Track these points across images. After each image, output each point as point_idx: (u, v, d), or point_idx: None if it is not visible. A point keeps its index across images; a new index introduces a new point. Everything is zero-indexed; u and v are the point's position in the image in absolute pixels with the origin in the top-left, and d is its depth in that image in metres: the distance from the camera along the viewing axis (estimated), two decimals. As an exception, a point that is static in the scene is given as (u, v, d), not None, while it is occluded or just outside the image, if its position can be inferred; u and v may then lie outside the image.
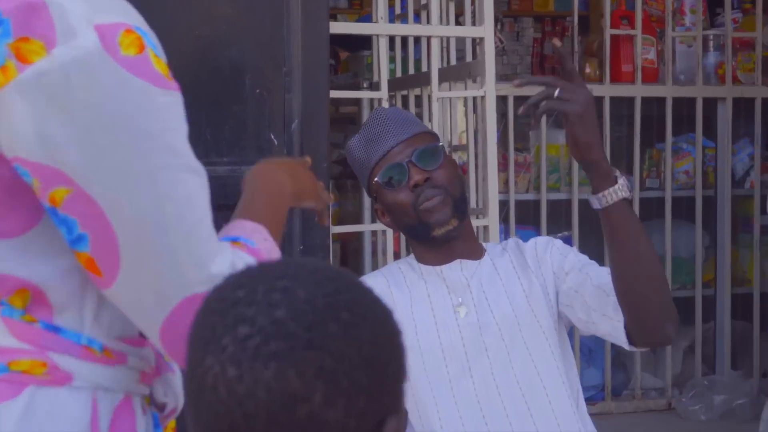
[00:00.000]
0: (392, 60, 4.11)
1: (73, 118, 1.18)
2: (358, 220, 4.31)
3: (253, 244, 1.30)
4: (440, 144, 2.25)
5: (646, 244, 2.01)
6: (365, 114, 3.64)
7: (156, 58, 1.22)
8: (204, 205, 1.25)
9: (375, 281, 2.29)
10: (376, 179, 2.22)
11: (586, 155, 1.97)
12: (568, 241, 4.59)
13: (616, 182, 1.97)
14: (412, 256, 2.33)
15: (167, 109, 1.22)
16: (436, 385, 2.19)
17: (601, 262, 4.74)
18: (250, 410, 0.92)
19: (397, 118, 2.27)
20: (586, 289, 2.13)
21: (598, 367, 4.61)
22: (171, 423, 1.41)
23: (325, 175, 2.94)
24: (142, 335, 1.30)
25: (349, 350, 0.93)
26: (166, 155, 1.21)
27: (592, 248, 4.68)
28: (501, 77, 6.32)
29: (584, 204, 4.56)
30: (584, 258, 2.25)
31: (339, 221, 4.78)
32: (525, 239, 2.32)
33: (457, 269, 2.24)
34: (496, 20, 6.55)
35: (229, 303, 0.95)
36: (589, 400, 3.36)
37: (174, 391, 1.36)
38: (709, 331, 4.83)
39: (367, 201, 4.08)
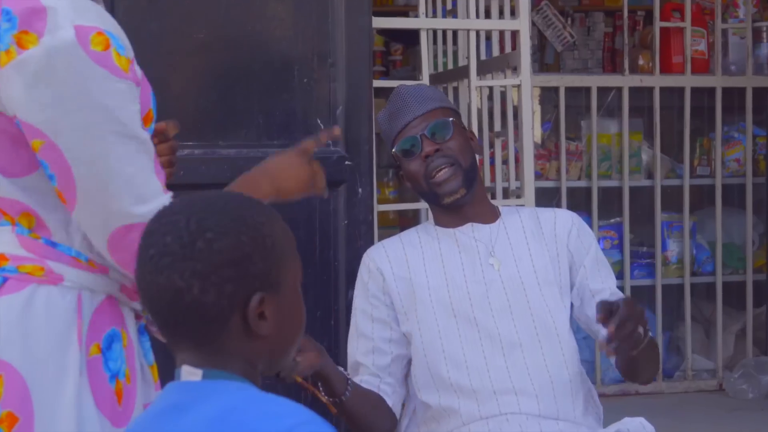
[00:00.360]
0: (445, 54, 4.36)
1: (48, 89, 1.60)
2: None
3: None
4: (451, 119, 2.47)
5: (656, 363, 2.38)
6: None
7: (117, 55, 1.64)
8: (139, 163, 1.66)
9: (389, 243, 2.56)
10: (395, 150, 2.47)
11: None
12: (619, 227, 4.79)
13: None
14: (431, 219, 2.56)
15: (119, 92, 1.63)
16: (445, 334, 2.41)
17: (650, 244, 4.81)
18: (158, 301, 1.39)
19: (417, 95, 2.50)
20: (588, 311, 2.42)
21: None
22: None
23: (368, 159, 3.22)
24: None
25: (213, 257, 1.36)
26: (114, 124, 1.63)
27: (641, 232, 4.90)
28: (572, 71, 6.54)
29: (634, 191, 4.80)
30: (606, 275, 2.48)
31: (399, 207, 5.00)
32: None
33: (469, 232, 2.47)
34: (566, 15, 6.72)
35: (149, 230, 1.42)
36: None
37: None
38: (761, 315, 4.97)
39: None
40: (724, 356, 4.89)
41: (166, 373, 1.79)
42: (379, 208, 3.55)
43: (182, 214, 1.40)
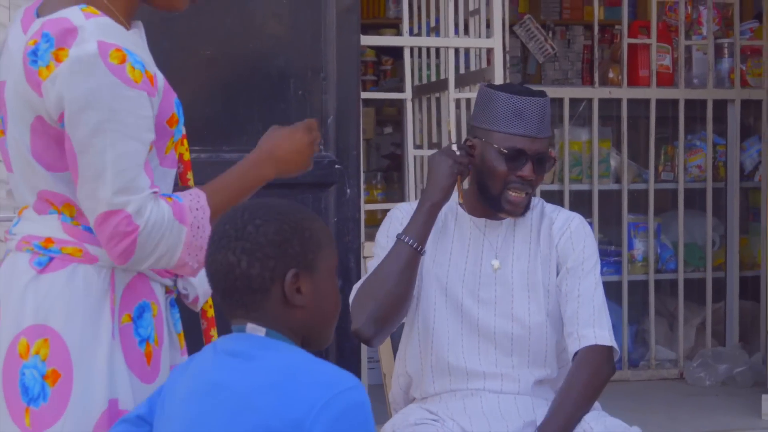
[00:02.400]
0: (428, 67, 4.66)
1: (69, 89, 1.84)
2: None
3: (180, 200, 1.93)
4: (552, 155, 2.54)
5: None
6: (407, 114, 4.07)
7: (131, 68, 1.86)
8: (134, 160, 1.86)
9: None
10: (498, 144, 2.45)
11: None
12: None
13: None
14: (456, 194, 2.57)
15: (128, 99, 1.86)
16: (438, 308, 2.55)
17: (618, 243, 4.96)
18: (217, 275, 1.72)
19: (540, 113, 2.47)
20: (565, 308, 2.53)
21: (616, 339, 5.04)
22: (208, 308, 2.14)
23: (355, 163, 3.46)
24: None
25: (259, 238, 1.68)
26: (117, 124, 1.85)
27: (610, 233, 5.16)
28: (554, 82, 6.77)
29: (603, 194, 5.08)
30: (592, 284, 2.52)
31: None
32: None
33: (482, 226, 2.57)
34: (548, 28, 6.94)
35: (216, 224, 1.76)
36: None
37: (193, 285, 2.06)
38: (719, 310, 5.20)
39: (408, 191, 4.50)
40: (685, 347, 5.11)
41: (192, 340, 2.11)
42: (366, 207, 3.81)
43: (240, 209, 1.73)
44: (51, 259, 1.93)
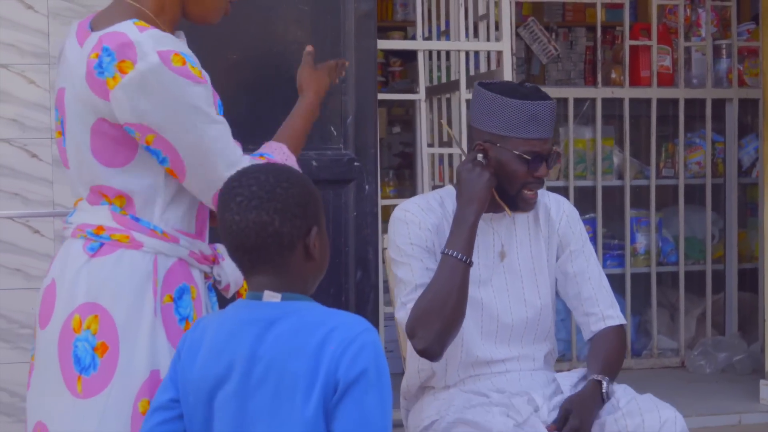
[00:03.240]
0: (439, 69, 4.84)
1: (149, 99, 2.04)
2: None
3: (271, 156, 2.19)
4: (559, 153, 2.67)
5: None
6: (420, 114, 4.15)
7: (192, 67, 2.07)
8: (225, 139, 2.11)
9: (418, 199, 2.68)
10: (517, 150, 2.50)
11: None
12: (592, 222, 5.15)
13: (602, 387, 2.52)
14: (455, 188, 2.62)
15: (198, 93, 2.07)
16: (471, 308, 2.57)
17: (621, 238, 5.08)
18: (247, 232, 1.83)
19: (551, 115, 2.53)
20: (570, 291, 2.69)
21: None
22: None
23: (373, 161, 3.53)
24: (197, 232, 2.20)
25: (289, 199, 1.83)
26: (201, 115, 2.08)
27: (613, 227, 5.29)
28: (557, 83, 6.90)
29: (606, 190, 5.20)
30: (597, 266, 2.68)
31: (398, 205, 5.44)
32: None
33: (488, 220, 2.64)
34: (551, 30, 7.06)
35: (232, 186, 1.87)
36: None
37: (226, 273, 2.23)
38: (719, 301, 5.32)
39: (420, 187, 4.61)
40: (686, 337, 5.24)
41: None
42: (381, 203, 3.95)
43: (260, 173, 1.86)
44: (102, 244, 2.11)
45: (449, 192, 2.68)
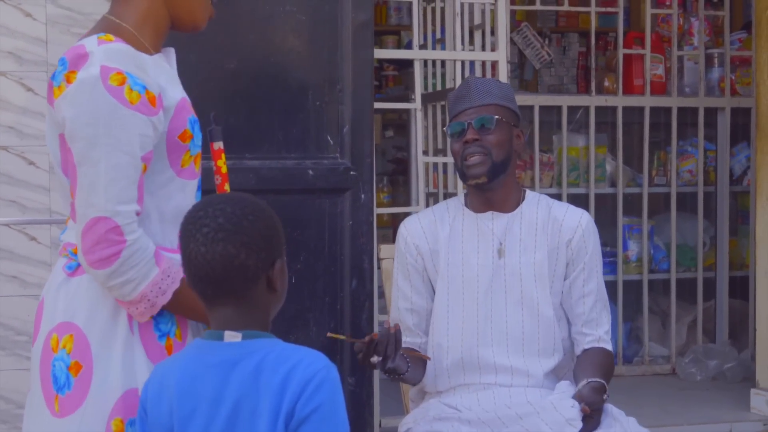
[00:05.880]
0: (434, 76, 4.85)
1: (72, 107, 1.99)
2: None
3: (162, 252, 2.06)
4: (497, 117, 2.67)
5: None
6: (416, 123, 4.18)
7: (130, 90, 2.00)
8: (125, 172, 1.99)
9: (424, 217, 2.80)
10: (446, 128, 2.73)
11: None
12: None
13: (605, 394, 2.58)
14: (461, 195, 2.80)
15: (123, 117, 1.99)
16: (452, 307, 2.69)
17: (613, 245, 5.07)
18: (213, 265, 1.81)
19: (480, 88, 2.71)
20: (576, 308, 2.72)
21: (612, 337, 5.19)
22: None
23: (369, 170, 3.53)
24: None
25: (255, 232, 1.82)
26: (111, 139, 1.99)
27: (605, 234, 5.30)
28: (550, 88, 6.93)
29: (599, 197, 5.22)
30: (602, 285, 2.74)
31: (392, 211, 5.46)
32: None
33: (489, 221, 2.70)
34: (544, 36, 7.09)
35: (197, 216, 1.84)
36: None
37: None
38: (710, 308, 5.34)
39: (414, 192, 4.74)
40: (677, 344, 5.26)
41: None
42: (377, 211, 3.97)
43: (226, 204, 1.84)
44: (78, 264, 2.09)
45: (455, 202, 2.81)
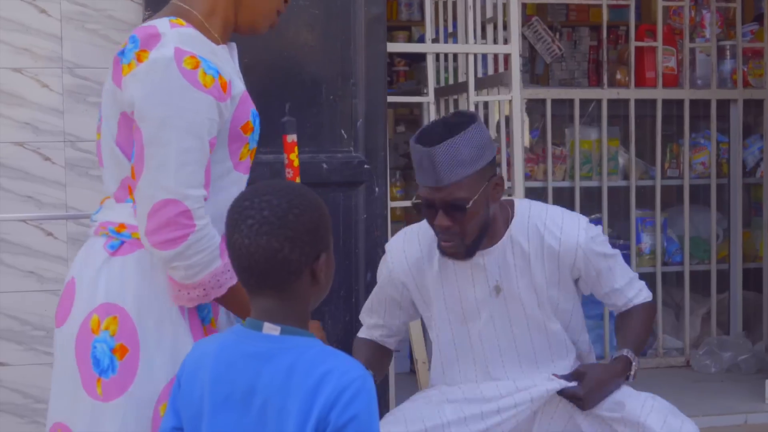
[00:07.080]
0: (446, 70, 4.86)
1: (144, 86, 1.99)
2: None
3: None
4: (468, 204, 2.42)
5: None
6: (425, 114, 4.17)
7: (203, 73, 2.00)
8: (194, 156, 1.98)
9: (410, 247, 2.71)
10: (415, 197, 2.54)
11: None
12: (598, 222, 5.18)
13: (631, 368, 2.64)
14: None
15: (195, 100, 1.99)
16: (459, 345, 2.70)
17: (626, 237, 5.09)
18: (256, 257, 1.78)
19: (443, 161, 2.40)
20: (600, 291, 2.75)
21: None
22: None
23: (383, 163, 3.57)
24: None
25: (299, 226, 1.78)
26: (183, 121, 1.98)
27: (619, 227, 5.32)
28: (561, 82, 6.91)
29: (612, 190, 5.22)
30: (619, 272, 2.73)
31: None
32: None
33: (479, 257, 2.62)
34: (555, 30, 7.08)
35: (243, 206, 1.81)
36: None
37: None
38: (723, 300, 5.34)
39: None
40: (691, 336, 5.26)
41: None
42: (390, 204, 3.99)
43: (272, 196, 1.79)
44: (122, 243, 2.08)
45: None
